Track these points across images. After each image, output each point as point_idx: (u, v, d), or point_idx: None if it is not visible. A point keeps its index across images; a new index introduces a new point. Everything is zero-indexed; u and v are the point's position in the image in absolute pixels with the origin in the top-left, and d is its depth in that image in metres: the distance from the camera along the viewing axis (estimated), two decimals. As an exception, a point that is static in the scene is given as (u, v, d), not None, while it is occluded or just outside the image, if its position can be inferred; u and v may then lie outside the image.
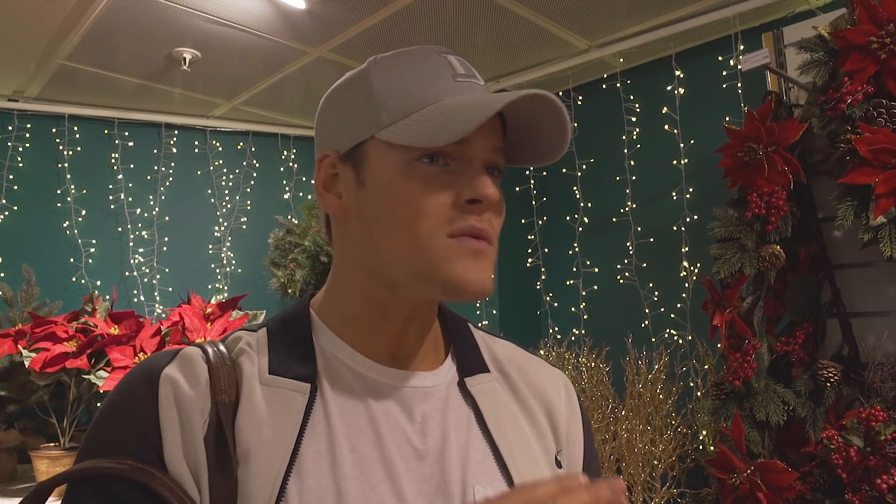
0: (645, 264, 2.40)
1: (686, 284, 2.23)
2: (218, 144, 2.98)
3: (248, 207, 3.02)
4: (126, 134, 2.77)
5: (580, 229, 2.59)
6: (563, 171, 2.59)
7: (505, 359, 0.77)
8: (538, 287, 2.73)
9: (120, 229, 2.73)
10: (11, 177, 2.55)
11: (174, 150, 2.88)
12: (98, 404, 2.33)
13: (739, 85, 2.11)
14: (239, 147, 3.03)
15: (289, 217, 2.90)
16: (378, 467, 0.62)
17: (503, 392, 0.73)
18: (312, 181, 3.16)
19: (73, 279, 2.61)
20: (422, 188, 0.61)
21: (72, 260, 2.62)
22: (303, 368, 0.65)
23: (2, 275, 2.45)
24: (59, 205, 2.63)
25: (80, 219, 2.65)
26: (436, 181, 0.62)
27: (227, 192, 2.98)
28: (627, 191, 2.44)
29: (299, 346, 0.67)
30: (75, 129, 2.67)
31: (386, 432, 0.64)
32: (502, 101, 0.59)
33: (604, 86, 2.53)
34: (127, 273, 2.71)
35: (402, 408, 0.66)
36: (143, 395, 0.62)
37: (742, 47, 2.10)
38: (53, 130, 2.64)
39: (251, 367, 0.65)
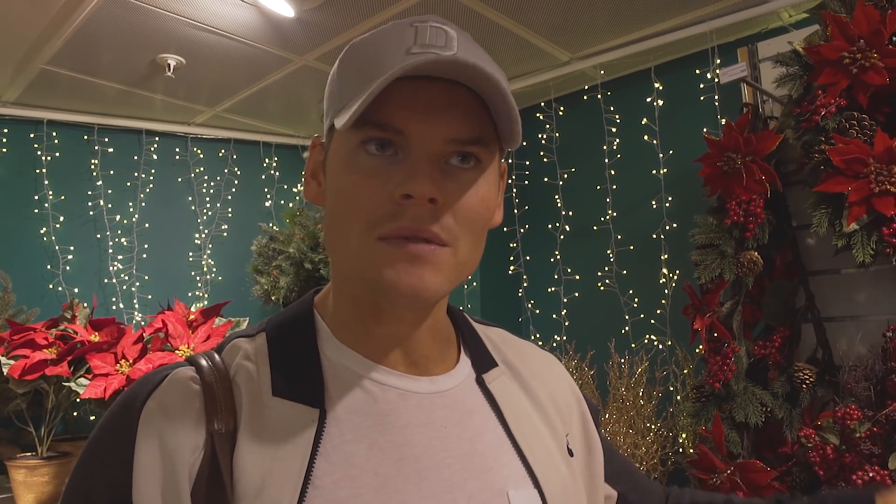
0: (625, 271, 2.45)
1: (665, 291, 2.29)
2: (199, 151, 2.97)
3: (230, 215, 3.01)
4: (106, 140, 2.75)
5: (561, 237, 2.63)
6: (545, 180, 2.63)
7: (505, 348, 0.74)
8: (520, 294, 2.76)
9: (99, 236, 2.70)
10: (-12, 182, 2.51)
11: (155, 157, 2.86)
12: (75, 413, 2.30)
13: (716, 97, 2.18)
14: (220, 154, 3.03)
15: (270, 225, 2.90)
16: (404, 488, 0.57)
17: (512, 385, 0.70)
18: (295, 188, 3.19)
19: (50, 286, 2.57)
20: (358, 181, 0.56)
21: (49, 267, 2.58)
22: (310, 389, 0.59)
23: (-23, 281, 2.41)
24: (36, 211, 2.59)
25: (57, 225, 2.61)
26: (377, 173, 0.56)
27: (207, 199, 2.97)
28: (608, 200, 2.50)
29: (304, 361, 0.62)
30: (54, 134, 2.64)
31: (410, 450, 0.59)
32: (390, 77, 0.52)
33: (585, 97, 2.59)
34: (106, 280, 2.68)
35: (425, 417, 0.62)
36: (121, 433, 0.57)
37: (718, 61, 2.17)
38: (31, 136, 2.61)
39: (252, 386, 0.59)
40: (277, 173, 3.15)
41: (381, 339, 0.63)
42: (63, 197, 2.64)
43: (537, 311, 2.71)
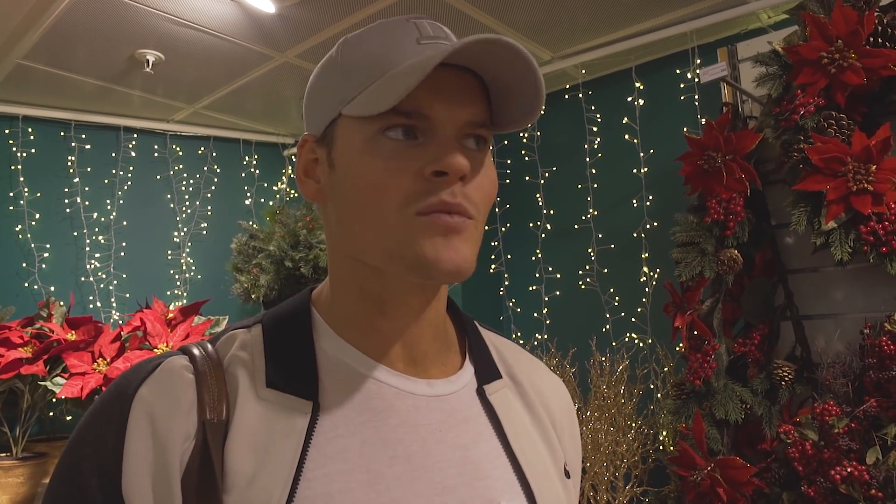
0: (606, 270, 2.46)
1: (646, 289, 2.30)
2: (178, 149, 2.93)
3: (209, 213, 2.98)
4: (83, 136, 2.71)
5: (543, 236, 2.64)
6: (527, 178, 2.64)
7: (513, 362, 0.73)
8: (501, 293, 2.76)
9: (76, 234, 2.66)
10: (-39, 179, 2.46)
11: (133, 154, 2.82)
12: (51, 413, 2.26)
13: (696, 97, 2.20)
14: (200, 152, 2.99)
15: (251, 223, 2.87)
16: (396, 486, 0.57)
17: (515, 400, 0.69)
18: (275, 186, 3.17)
19: (26, 284, 2.52)
20: (384, 163, 0.56)
21: (24, 265, 2.54)
22: (304, 381, 0.59)
23: (-51, 280, 2.36)
24: (11, 208, 2.55)
25: (33, 223, 2.57)
26: (401, 155, 0.57)
27: (187, 197, 2.94)
28: (589, 198, 2.51)
29: (299, 353, 0.61)
30: (30, 130, 2.60)
31: (403, 448, 0.59)
32: (442, 53, 0.52)
33: (566, 96, 2.60)
34: (83, 279, 2.64)
35: (421, 418, 0.61)
36: (112, 420, 0.56)
37: (699, 61, 2.19)
38: (6, 131, 2.56)
39: (246, 377, 0.59)
40: (257, 171, 3.12)
41: (384, 333, 0.63)
42: (39, 194, 2.60)
43: (518, 310, 2.71)
